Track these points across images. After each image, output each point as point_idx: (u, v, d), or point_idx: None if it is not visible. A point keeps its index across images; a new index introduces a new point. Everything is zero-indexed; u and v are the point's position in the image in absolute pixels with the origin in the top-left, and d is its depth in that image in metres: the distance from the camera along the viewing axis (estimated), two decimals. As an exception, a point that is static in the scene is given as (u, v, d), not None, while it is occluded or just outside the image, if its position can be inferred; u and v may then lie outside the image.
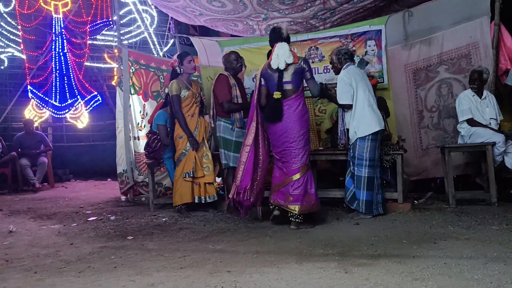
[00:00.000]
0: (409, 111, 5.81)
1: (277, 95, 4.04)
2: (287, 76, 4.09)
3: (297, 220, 4.02)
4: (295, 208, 4.01)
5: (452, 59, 5.56)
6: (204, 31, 8.14)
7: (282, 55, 4.05)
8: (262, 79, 4.22)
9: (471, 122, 4.97)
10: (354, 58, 4.75)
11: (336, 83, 4.59)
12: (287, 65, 4.06)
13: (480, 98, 5.03)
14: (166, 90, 6.06)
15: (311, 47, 6.07)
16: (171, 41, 8.94)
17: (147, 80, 6.35)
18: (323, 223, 4.22)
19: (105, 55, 9.62)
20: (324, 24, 6.55)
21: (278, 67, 4.06)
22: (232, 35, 7.56)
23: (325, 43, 6.01)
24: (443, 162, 4.99)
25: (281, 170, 4.20)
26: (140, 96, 6.27)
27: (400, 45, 5.78)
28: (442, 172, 5.19)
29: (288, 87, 4.09)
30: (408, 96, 5.81)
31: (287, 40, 4.17)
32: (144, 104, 6.31)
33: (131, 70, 6.12)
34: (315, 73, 6.00)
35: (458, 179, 5.38)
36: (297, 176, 4.08)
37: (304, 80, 4.19)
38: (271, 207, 4.24)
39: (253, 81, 5.89)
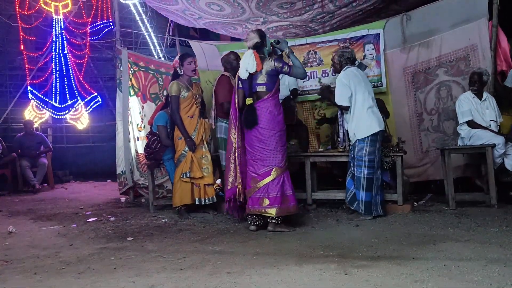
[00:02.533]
0: (408, 114, 5.80)
1: (248, 101, 4.05)
2: (261, 78, 4.05)
3: (273, 221, 3.98)
4: (272, 211, 3.95)
5: (451, 61, 5.56)
6: (205, 32, 8.16)
7: (244, 64, 4.06)
8: (239, 82, 4.20)
9: (471, 124, 4.98)
10: (355, 63, 4.75)
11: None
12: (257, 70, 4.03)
13: (480, 100, 5.04)
14: (165, 92, 6.06)
15: (310, 51, 6.08)
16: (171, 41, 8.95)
17: (145, 82, 6.34)
18: (323, 225, 4.22)
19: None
20: (323, 27, 6.56)
21: (244, 75, 4.07)
22: (232, 38, 7.58)
23: (324, 47, 6.03)
24: (443, 164, 4.99)
25: (253, 175, 4.09)
26: (139, 98, 6.27)
27: (399, 48, 5.78)
28: (442, 174, 5.18)
29: (261, 88, 4.06)
30: (408, 99, 5.80)
31: (259, 42, 4.08)
32: (143, 105, 6.30)
33: (130, 72, 6.12)
34: (313, 77, 6.02)
35: (458, 181, 5.37)
36: (269, 179, 3.99)
37: (279, 79, 4.15)
38: (249, 219, 4.12)
39: None
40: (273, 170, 4.01)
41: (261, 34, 4.15)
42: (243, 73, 4.07)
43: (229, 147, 4.26)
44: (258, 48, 4.09)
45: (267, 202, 3.98)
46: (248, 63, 4.02)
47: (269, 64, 4.04)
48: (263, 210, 3.99)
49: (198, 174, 4.78)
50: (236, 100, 4.19)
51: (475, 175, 5.30)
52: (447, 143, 5.47)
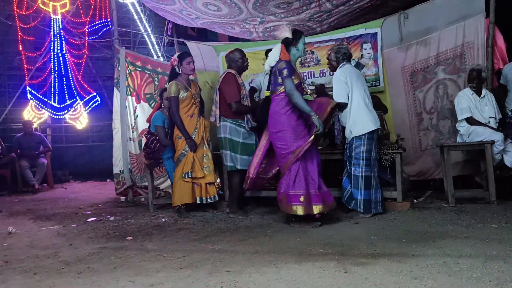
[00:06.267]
0: (407, 114, 5.79)
1: (266, 93, 4.23)
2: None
3: (296, 218, 4.06)
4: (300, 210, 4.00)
5: (448, 59, 5.53)
6: (203, 31, 8.15)
7: (269, 58, 4.17)
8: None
9: (470, 121, 4.98)
10: (351, 60, 4.75)
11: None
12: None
13: (479, 96, 5.04)
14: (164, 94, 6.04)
15: (307, 51, 6.06)
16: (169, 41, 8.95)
17: (140, 82, 6.33)
18: (322, 223, 4.22)
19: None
20: (321, 26, 6.55)
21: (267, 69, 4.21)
22: (230, 37, 7.57)
23: (321, 47, 6.03)
24: (442, 161, 4.99)
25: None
26: (133, 98, 6.26)
27: (396, 47, 5.77)
28: (442, 171, 5.17)
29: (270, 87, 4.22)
30: (406, 99, 5.78)
31: (289, 39, 4.07)
32: (136, 106, 6.28)
33: (127, 71, 6.11)
34: (311, 77, 6.03)
35: (458, 178, 5.37)
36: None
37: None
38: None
39: (249, 85, 5.90)
40: (282, 166, 4.13)
41: (295, 32, 4.08)
42: (266, 67, 4.18)
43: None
44: (287, 45, 4.07)
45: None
46: (272, 58, 4.08)
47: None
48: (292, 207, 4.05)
49: (200, 174, 4.76)
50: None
51: (474, 172, 5.30)
52: (443, 142, 5.45)
